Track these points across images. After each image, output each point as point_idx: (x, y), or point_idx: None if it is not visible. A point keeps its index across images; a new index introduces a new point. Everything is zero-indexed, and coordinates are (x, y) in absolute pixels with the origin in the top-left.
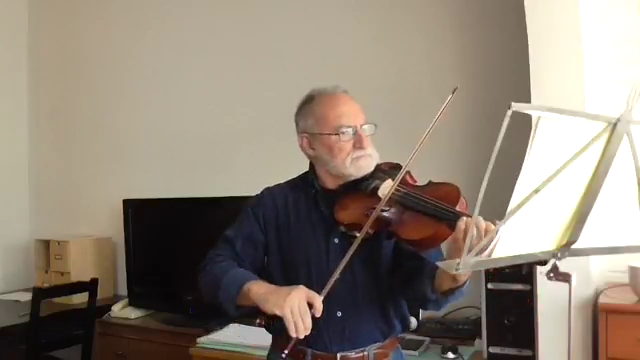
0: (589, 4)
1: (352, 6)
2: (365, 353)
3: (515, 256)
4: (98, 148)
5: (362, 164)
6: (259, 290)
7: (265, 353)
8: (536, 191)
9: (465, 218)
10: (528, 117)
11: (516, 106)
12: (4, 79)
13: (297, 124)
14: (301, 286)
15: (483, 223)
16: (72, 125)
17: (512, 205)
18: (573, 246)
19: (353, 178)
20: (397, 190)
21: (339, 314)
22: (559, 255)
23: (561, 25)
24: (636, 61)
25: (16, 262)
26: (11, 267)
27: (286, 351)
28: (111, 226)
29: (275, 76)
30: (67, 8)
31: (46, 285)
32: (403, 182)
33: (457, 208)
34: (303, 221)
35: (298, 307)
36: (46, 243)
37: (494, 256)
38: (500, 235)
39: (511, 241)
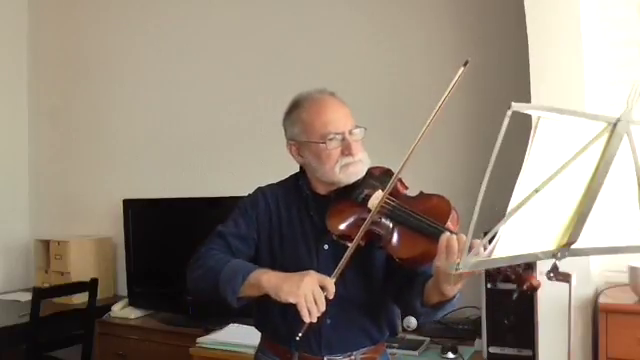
0: (589, 4)
1: (351, 6)
2: (352, 357)
3: (515, 256)
4: (98, 148)
5: (352, 171)
6: (270, 279)
7: None
8: (536, 191)
9: (447, 234)
10: (528, 117)
11: (516, 106)
12: (4, 79)
13: (285, 130)
14: (311, 271)
15: (464, 239)
16: (72, 125)
17: (512, 205)
18: (573, 246)
19: (344, 185)
20: (387, 203)
21: (328, 322)
22: (559, 255)
23: (561, 25)
24: (636, 61)
25: (16, 262)
26: (11, 267)
27: (300, 334)
28: (111, 226)
29: (274, 76)
30: (67, 8)
31: (46, 285)
32: (394, 191)
33: (448, 223)
34: (294, 226)
35: (312, 293)
36: (46, 243)
37: (494, 256)
38: (500, 235)
39: (511, 241)
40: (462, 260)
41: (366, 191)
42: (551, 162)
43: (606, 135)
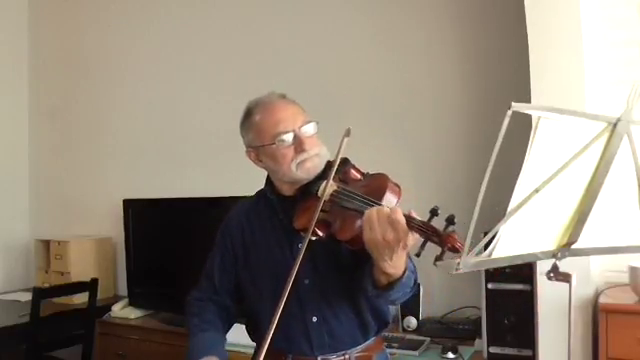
0: (589, 4)
1: (351, 6)
2: (347, 356)
3: (515, 256)
4: (98, 148)
5: (308, 166)
6: None
7: None
8: (536, 191)
9: (371, 209)
10: (528, 117)
11: (516, 106)
12: (4, 79)
13: (243, 139)
14: None
15: (385, 210)
16: (72, 125)
17: (512, 205)
18: (573, 246)
19: (306, 181)
20: (335, 191)
21: (314, 319)
22: (559, 255)
23: (561, 25)
24: (636, 61)
25: (16, 262)
26: (11, 267)
27: None
28: (111, 226)
29: (275, 76)
30: (67, 8)
31: (46, 285)
32: (346, 178)
33: (388, 196)
34: (267, 233)
35: None
36: (46, 243)
37: (494, 256)
38: (500, 235)
39: (511, 241)
40: (462, 260)
41: (320, 183)
42: (551, 162)
43: (606, 135)
